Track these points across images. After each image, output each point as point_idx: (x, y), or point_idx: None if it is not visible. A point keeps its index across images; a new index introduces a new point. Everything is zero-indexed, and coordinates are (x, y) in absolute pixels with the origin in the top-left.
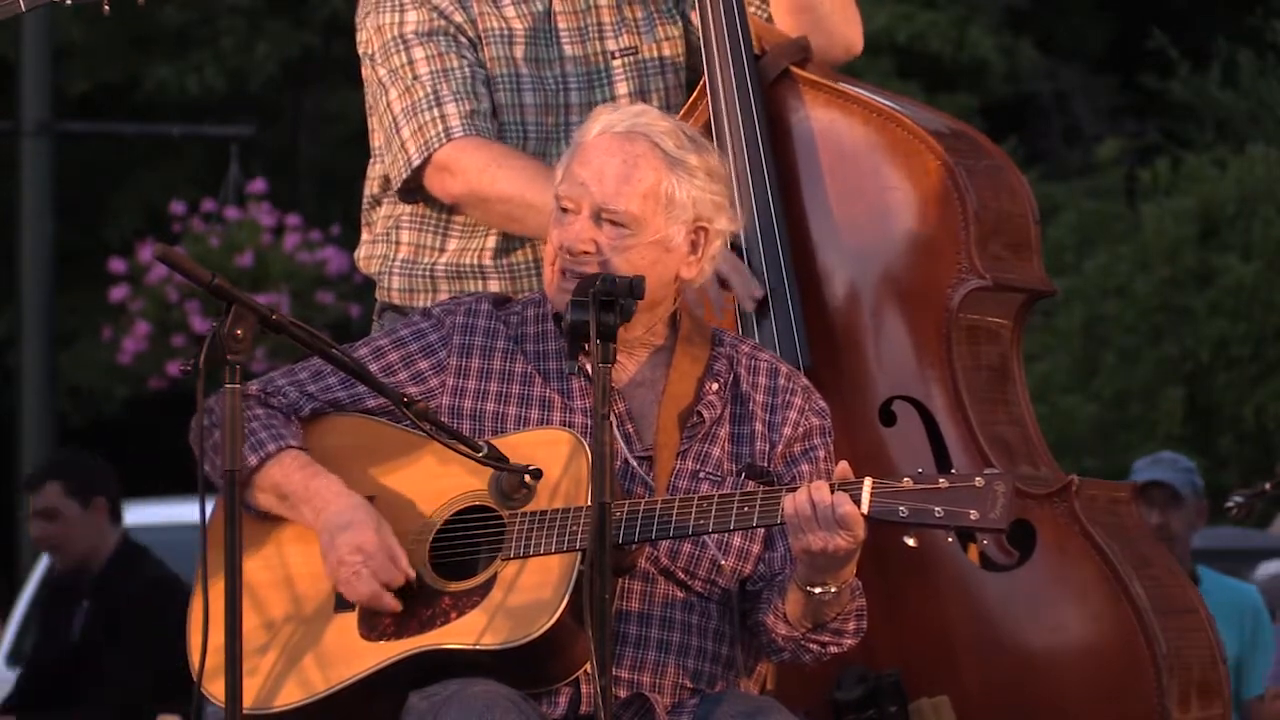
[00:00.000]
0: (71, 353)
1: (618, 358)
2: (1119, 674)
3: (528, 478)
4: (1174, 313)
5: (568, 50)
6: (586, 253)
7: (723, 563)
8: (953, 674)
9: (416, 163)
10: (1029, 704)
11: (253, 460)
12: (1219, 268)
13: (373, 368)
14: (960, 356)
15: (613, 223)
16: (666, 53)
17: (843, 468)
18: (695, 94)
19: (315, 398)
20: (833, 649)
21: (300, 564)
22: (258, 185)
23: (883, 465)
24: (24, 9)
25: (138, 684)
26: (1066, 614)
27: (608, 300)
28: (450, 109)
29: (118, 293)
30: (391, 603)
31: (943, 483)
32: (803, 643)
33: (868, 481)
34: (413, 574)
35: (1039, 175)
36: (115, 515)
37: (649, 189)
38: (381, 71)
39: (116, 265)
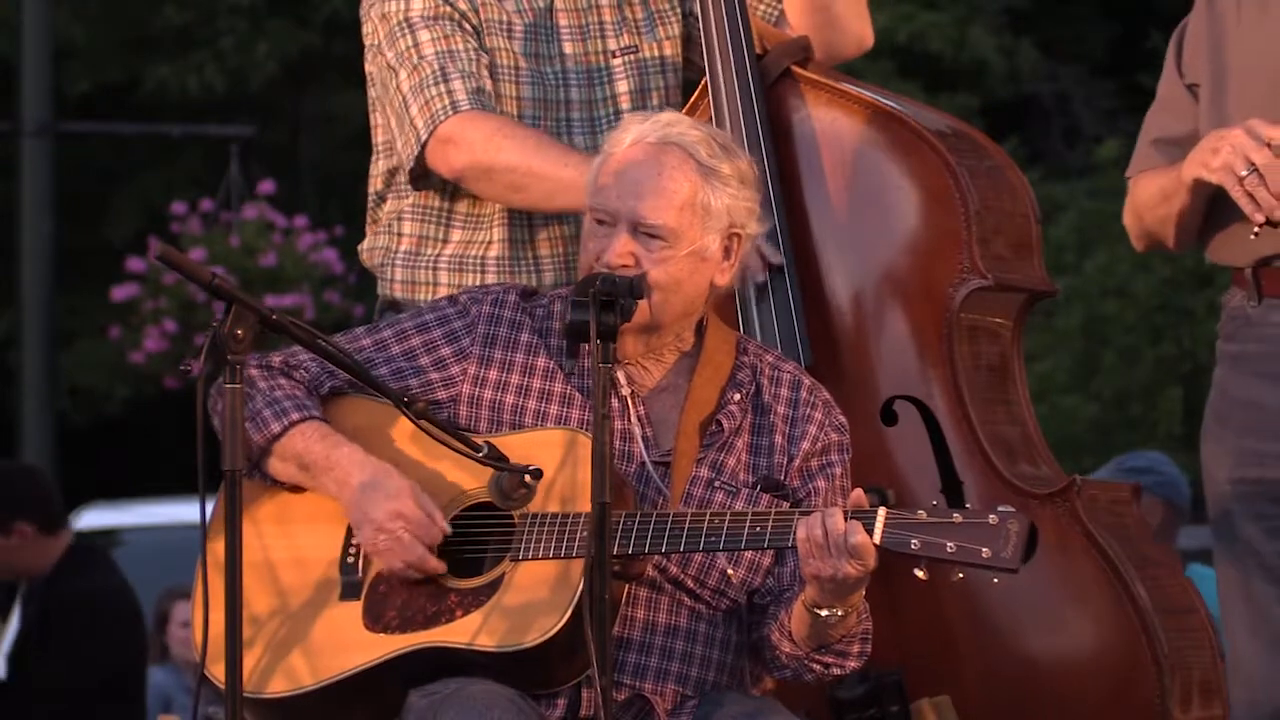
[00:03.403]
0: (71, 353)
1: (645, 363)
2: (1120, 674)
3: (528, 477)
4: (1174, 313)
5: (568, 48)
6: (626, 266)
7: (731, 575)
8: (954, 674)
9: (424, 137)
10: (1030, 704)
11: (275, 427)
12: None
13: (395, 350)
14: (961, 356)
15: (651, 235)
16: (668, 52)
17: (857, 495)
18: (696, 94)
19: (335, 376)
20: (835, 670)
21: (302, 552)
22: (266, 187)
23: (884, 465)
24: None
25: (73, 692)
26: (1068, 614)
27: (608, 300)
28: (456, 85)
29: (120, 292)
30: (436, 564)
31: (957, 517)
32: (806, 662)
33: (881, 511)
34: (449, 529)
35: (1040, 176)
36: (48, 528)
37: (685, 200)
38: (389, 55)
39: (135, 264)
